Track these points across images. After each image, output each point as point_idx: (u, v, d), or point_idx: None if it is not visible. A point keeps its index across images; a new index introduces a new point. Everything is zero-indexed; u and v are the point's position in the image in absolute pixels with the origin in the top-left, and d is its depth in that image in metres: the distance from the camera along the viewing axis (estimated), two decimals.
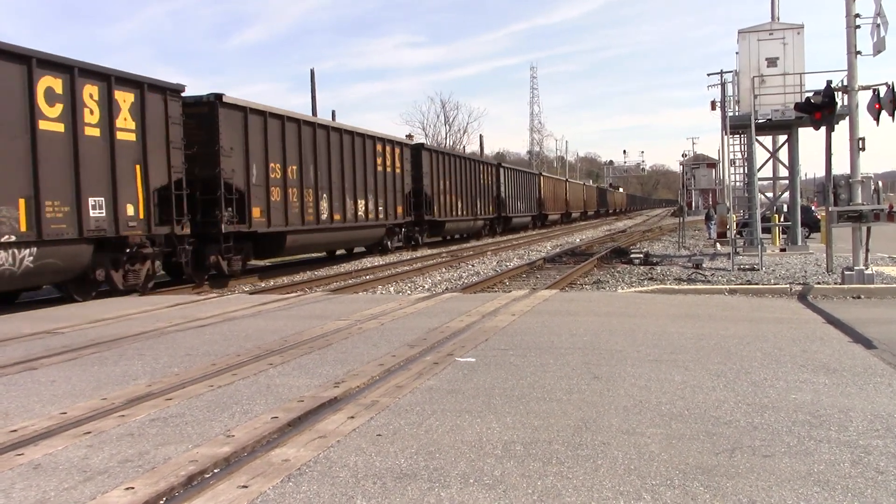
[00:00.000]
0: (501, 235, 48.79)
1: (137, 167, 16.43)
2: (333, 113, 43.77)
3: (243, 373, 7.15)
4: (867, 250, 14.77)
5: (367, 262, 27.86)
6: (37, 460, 4.68)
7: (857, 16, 14.48)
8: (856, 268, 14.40)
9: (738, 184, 27.33)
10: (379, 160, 29.57)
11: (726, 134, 23.70)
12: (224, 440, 4.97)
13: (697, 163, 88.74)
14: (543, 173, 68.19)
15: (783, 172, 26.29)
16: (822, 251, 19.21)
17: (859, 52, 14.60)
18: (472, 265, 24.84)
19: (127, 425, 5.42)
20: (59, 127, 14.45)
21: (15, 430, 5.34)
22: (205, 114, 19.26)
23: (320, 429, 5.21)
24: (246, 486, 4.14)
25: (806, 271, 17.83)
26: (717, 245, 28.95)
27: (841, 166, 16.88)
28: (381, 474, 4.31)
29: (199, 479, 4.32)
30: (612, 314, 10.79)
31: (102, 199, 15.44)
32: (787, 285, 14.15)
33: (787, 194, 26.53)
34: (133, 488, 4.13)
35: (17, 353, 8.66)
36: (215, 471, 4.45)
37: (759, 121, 22.96)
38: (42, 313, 12.75)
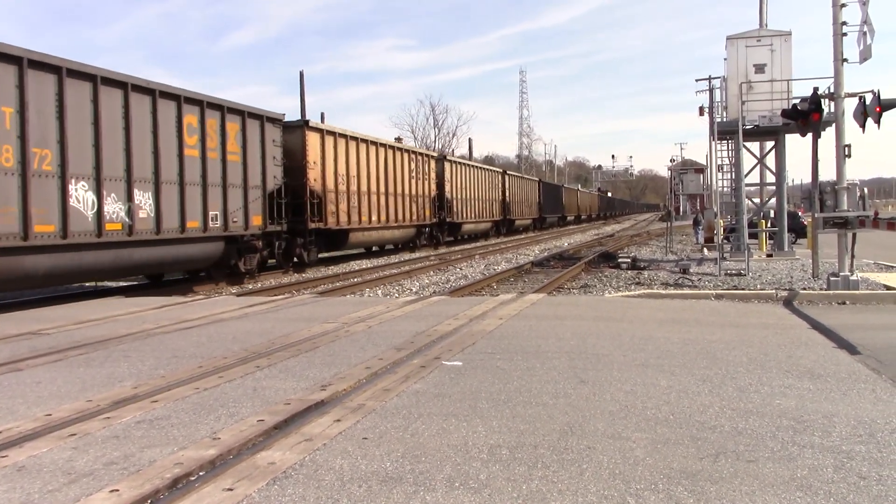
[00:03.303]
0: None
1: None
2: (322, 115, 43.56)
3: (230, 375, 7.13)
4: (853, 256, 14.87)
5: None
6: (21, 462, 4.66)
7: (844, 23, 14.59)
8: (841, 274, 14.49)
9: (725, 189, 27.46)
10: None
11: (714, 139, 23.81)
12: (210, 443, 4.96)
13: (685, 168, 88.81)
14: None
15: (770, 178, 26.43)
16: (809, 257, 19.31)
17: (846, 60, 14.71)
18: (461, 268, 24.85)
19: (112, 427, 5.40)
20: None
21: None
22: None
23: (306, 432, 5.21)
24: (231, 489, 4.14)
25: (792, 277, 17.93)
26: (705, 250, 29.05)
27: (827, 173, 16.95)
28: (366, 478, 4.31)
29: (184, 481, 4.31)
30: (599, 318, 10.82)
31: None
32: (774, 291, 14.23)
33: (773, 200, 26.69)
34: (118, 491, 4.12)
35: (1, 354, 8.60)
36: (201, 473, 4.44)
37: (747, 127, 23.07)
38: (28, 314, 12.67)
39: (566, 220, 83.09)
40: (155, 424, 5.46)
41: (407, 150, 34.52)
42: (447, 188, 39.82)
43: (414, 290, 18.58)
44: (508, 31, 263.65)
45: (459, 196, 42.02)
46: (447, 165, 40.46)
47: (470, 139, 74.87)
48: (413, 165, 34.64)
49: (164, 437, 5.13)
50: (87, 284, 19.26)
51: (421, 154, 36.90)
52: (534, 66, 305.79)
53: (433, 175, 37.70)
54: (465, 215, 43.03)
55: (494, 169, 53.98)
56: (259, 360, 7.84)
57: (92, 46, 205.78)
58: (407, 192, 33.56)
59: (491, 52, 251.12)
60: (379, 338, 9.19)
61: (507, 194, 52.96)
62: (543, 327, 9.91)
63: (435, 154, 41.30)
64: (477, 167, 48.18)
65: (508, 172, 55.98)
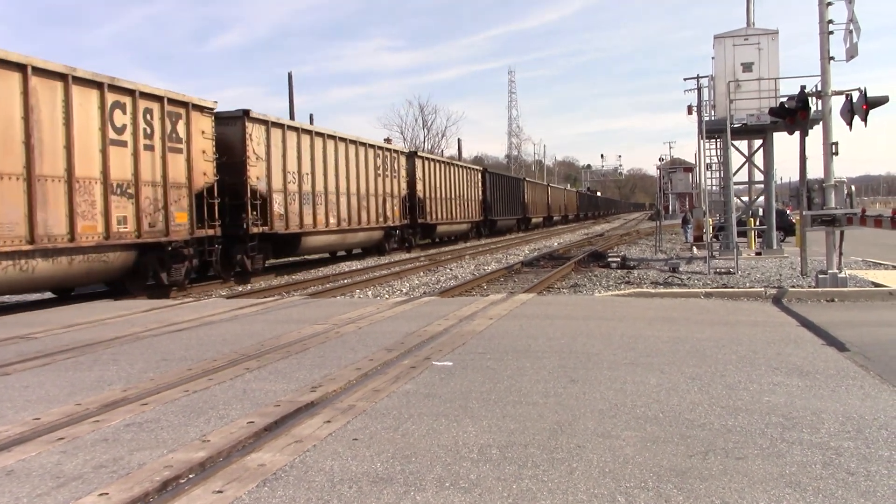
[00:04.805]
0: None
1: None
2: (311, 116, 43.65)
3: (219, 377, 7.11)
4: (840, 254, 14.93)
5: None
6: (9, 466, 4.63)
7: (831, 22, 14.65)
8: (829, 271, 14.56)
9: (714, 188, 27.56)
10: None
11: (702, 138, 23.89)
12: (199, 445, 4.95)
13: (674, 167, 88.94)
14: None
15: (758, 176, 26.53)
16: (797, 255, 19.40)
17: (832, 58, 14.77)
18: (451, 269, 24.86)
19: (101, 431, 5.38)
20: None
21: None
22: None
23: (297, 433, 5.20)
24: (221, 492, 4.12)
25: (781, 275, 18.00)
26: (694, 249, 29.14)
27: (815, 170, 17.05)
28: (357, 478, 4.31)
29: (173, 484, 4.30)
30: (588, 318, 10.84)
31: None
32: (763, 289, 14.28)
33: (762, 198, 26.81)
34: (107, 494, 4.10)
35: None
36: (190, 476, 4.43)
37: (735, 125, 23.17)
38: (16, 318, 12.60)
39: (530, 224, 66.49)
40: (144, 427, 5.44)
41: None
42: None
43: (404, 290, 18.57)
44: (497, 32, 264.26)
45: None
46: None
47: (459, 139, 74.93)
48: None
49: (154, 440, 5.11)
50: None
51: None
52: (522, 66, 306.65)
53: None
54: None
55: (397, 148, 36.94)
56: (249, 363, 7.82)
57: (78, 49, 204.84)
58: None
59: (479, 52, 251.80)
60: (369, 339, 9.18)
61: (417, 186, 37.37)
62: (533, 327, 9.92)
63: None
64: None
65: (419, 154, 39.78)
